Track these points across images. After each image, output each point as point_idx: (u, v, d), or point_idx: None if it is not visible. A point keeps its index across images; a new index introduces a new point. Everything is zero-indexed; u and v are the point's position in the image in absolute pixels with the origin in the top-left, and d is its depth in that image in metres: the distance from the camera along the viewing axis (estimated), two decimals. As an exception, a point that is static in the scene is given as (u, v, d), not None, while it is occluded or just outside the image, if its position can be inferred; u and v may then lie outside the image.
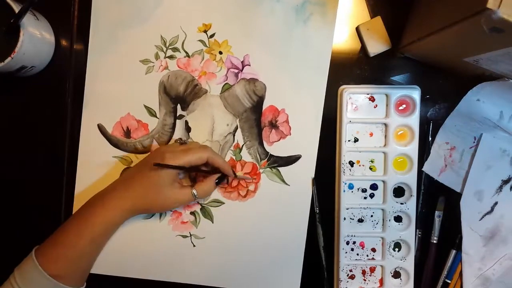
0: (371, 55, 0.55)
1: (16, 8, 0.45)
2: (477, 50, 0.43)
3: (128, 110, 0.54)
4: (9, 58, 0.45)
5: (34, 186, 0.55)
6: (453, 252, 0.57)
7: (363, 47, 0.55)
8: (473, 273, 0.56)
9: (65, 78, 0.54)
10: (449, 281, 0.57)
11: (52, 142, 0.54)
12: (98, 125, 0.54)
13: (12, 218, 0.55)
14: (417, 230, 0.56)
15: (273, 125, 0.55)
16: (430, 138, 0.56)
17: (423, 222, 0.56)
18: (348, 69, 0.55)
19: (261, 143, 0.55)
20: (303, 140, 0.55)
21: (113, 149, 0.54)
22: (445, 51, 0.49)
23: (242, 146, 0.55)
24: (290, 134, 0.55)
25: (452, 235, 0.56)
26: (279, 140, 0.55)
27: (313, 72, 0.55)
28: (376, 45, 0.54)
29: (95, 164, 0.54)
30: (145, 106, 0.54)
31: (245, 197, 0.55)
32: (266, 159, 0.55)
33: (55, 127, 0.54)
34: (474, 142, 0.56)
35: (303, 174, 0.55)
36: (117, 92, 0.54)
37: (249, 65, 0.55)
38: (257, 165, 0.55)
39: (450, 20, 0.39)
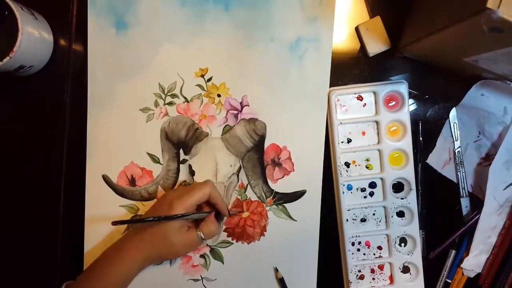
0: (371, 55, 0.55)
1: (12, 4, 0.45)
2: (477, 50, 0.43)
3: (131, 159, 0.55)
4: (7, 58, 0.45)
5: (33, 186, 0.55)
6: (453, 252, 0.57)
7: (362, 47, 0.55)
8: (482, 240, 0.56)
9: (63, 77, 0.54)
10: (449, 281, 0.57)
11: (51, 141, 0.54)
12: (102, 176, 0.54)
13: (11, 217, 0.55)
14: (420, 230, 0.56)
15: (276, 163, 0.55)
16: (420, 138, 0.56)
17: (425, 222, 0.57)
18: (347, 69, 0.56)
19: (265, 181, 0.55)
20: (306, 174, 0.55)
21: (119, 199, 0.54)
22: (445, 51, 0.49)
23: (247, 185, 0.55)
24: (294, 170, 0.55)
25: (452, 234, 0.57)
26: (283, 177, 0.55)
27: (312, 107, 0.55)
28: (376, 45, 0.55)
29: (103, 215, 0.54)
30: (148, 154, 0.55)
31: (254, 236, 0.56)
32: (271, 197, 0.56)
33: (54, 127, 0.54)
34: (478, 136, 0.56)
35: (309, 208, 0.56)
36: (119, 142, 0.54)
37: (248, 105, 0.55)
38: (263, 203, 0.56)
39: (450, 20, 0.39)
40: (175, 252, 0.51)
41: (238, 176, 0.55)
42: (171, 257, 0.54)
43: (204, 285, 0.56)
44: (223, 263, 0.56)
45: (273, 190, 0.55)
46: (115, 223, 0.45)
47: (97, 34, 0.53)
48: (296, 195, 0.56)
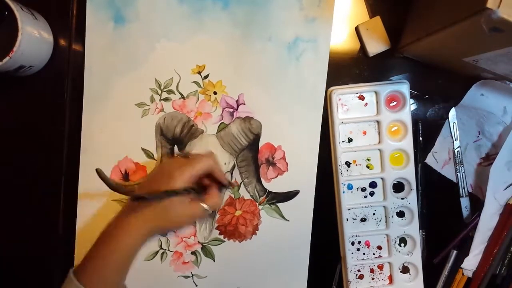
0: (370, 55, 0.55)
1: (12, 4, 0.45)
2: (477, 50, 0.43)
3: (125, 154, 0.55)
4: (7, 58, 0.45)
5: (33, 186, 0.55)
6: (454, 252, 0.57)
7: (362, 47, 0.55)
8: (483, 240, 0.56)
9: (63, 77, 0.54)
10: (450, 281, 0.57)
11: (51, 141, 0.55)
12: (96, 169, 0.54)
13: (10, 217, 0.55)
14: (420, 230, 0.56)
15: (270, 162, 0.55)
16: (420, 138, 0.56)
17: (425, 222, 0.57)
18: (347, 69, 0.56)
19: (259, 180, 0.55)
20: (300, 175, 0.55)
21: (112, 193, 0.54)
22: (445, 51, 0.49)
23: (240, 184, 0.55)
24: (288, 170, 0.55)
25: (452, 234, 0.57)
26: (276, 176, 0.55)
27: (307, 107, 0.55)
28: (375, 45, 0.55)
29: (95, 209, 0.54)
30: (143, 149, 0.55)
31: (246, 235, 0.56)
32: (264, 196, 0.55)
33: (54, 126, 0.54)
34: (478, 136, 0.56)
35: (302, 209, 0.55)
36: (114, 136, 0.54)
37: (244, 104, 0.55)
38: (256, 202, 0.55)
39: (450, 20, 0.39)
40: (178, 223, 0.52)
41: (232, 174, 0.55)
42: (175, 228, 0.55)
43: (194, 282, 0.56)
44: (214, 261, 0.56)
45: (267, 189, 0.55)
46: (134, 198, 0.45)
47: (95, 28, 0.53)
48: (289, 195, 0.55)
